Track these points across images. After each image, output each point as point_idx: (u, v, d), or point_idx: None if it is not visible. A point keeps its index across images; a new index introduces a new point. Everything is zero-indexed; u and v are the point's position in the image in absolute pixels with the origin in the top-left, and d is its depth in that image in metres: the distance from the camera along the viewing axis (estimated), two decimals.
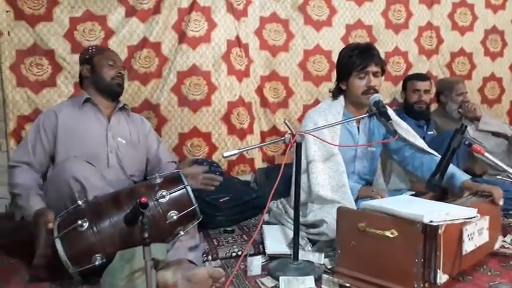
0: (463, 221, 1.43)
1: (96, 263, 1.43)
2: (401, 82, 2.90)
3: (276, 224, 2.05)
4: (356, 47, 1.98)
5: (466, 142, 1.71)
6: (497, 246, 1.71)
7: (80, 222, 1.43)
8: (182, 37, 2.64)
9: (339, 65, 2.03)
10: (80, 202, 1.50)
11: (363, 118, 2.01)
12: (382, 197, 1.85)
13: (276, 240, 1.85)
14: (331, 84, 2.13)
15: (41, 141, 1.83)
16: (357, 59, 1.92)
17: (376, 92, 1.93)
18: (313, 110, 2.07)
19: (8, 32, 2.40)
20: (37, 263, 1.51)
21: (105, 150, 1.85)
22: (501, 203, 1.70)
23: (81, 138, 1.82)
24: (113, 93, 1.94)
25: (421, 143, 2.03)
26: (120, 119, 1.97)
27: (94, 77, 1.92)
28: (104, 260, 1.43)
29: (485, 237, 1.58)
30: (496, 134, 2.84)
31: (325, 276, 1.53)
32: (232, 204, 2.20)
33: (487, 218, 1.58)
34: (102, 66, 1.91)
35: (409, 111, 2.71)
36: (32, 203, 1.65)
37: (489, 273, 1.61)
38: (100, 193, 1.58)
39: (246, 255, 1.68)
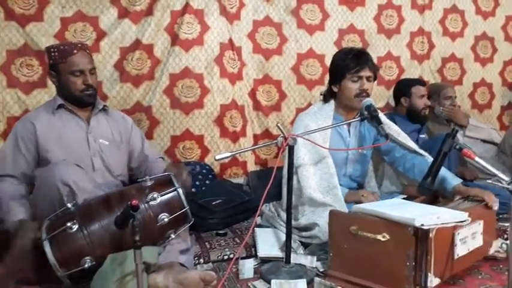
0: (454, 224, 1.44)
1: (86, 265, 1.40)
2: (393, 86, 2.92)
3: (268, 227, 2.04)
4: (350, 50, 2.00)
5: (457, 146, 1.72)
6: (492, 251, 1.71)
7: (69, 224, 1.41)
8: (175, 39, 2.63)
9: (332, 67, 2.04)
10: (69, 205, 1.48)
11: (354, 122, 2.01)
12: (371, 201, 1.85)
13: (268, 243, 1.84)
14: (324, 88, 2.14)
15: (20, 151, 1.74)
16: (351, 62, 1.94)
17: (368, 95, 1.95)
18: (304, 113, 2.08)
19: None
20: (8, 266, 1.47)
21: (89, 155, 1.80)
22: (496, 207, 1.71)
23: (62, 146, 1.75)
24: (85, 104, 1.83)
25: (412, 144, 2.04)
26: (100, 119, 1.89)
27: (61, 88, 1.80)
28: (94, 263, 1.40)
29: (479, 242, 1.58)
30: (484, 141, 2.88)
31: (317, 279, 1.52)
32: (224, 207, 2.19)
33: (481, 222, 1.58)
34: (68, 77, 1.77)
35: (415, 116, 2.70)
36: (12, 214, 1.58)
37: (480, 277, 1.62)
38: (89, 196, 1.55)
39: (238, 258, 1.67)
